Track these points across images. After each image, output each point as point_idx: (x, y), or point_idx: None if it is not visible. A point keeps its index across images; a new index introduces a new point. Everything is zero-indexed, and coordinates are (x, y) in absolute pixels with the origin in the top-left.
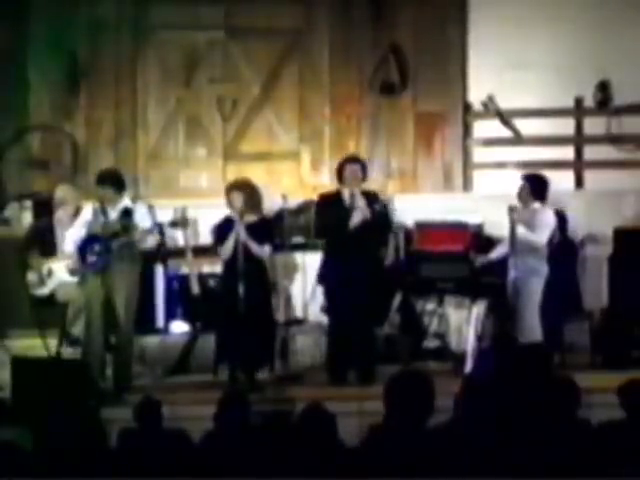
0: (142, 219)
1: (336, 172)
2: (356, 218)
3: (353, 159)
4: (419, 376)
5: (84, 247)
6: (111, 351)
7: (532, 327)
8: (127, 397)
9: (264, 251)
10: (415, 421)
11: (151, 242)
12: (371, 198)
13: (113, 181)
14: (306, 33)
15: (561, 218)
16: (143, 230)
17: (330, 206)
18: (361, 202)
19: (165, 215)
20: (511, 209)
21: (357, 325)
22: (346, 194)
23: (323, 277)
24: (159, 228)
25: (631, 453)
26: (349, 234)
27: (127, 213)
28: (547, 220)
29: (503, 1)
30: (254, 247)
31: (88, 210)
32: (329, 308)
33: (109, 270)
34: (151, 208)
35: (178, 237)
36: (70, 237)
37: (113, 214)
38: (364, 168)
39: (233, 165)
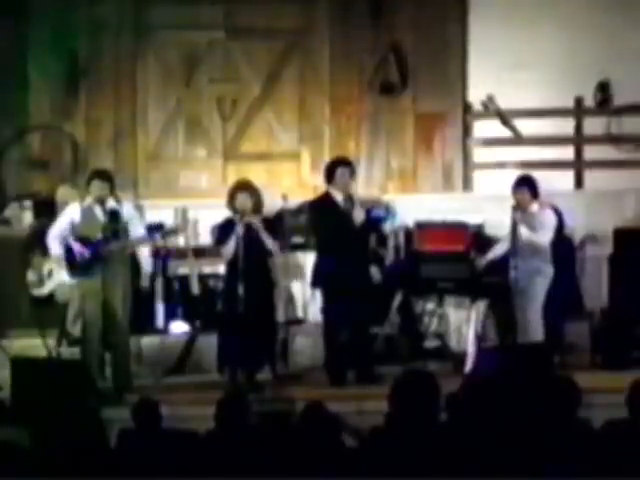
0: (131, 222)
1: (326, 173)
2: (358, 218)
3: (343, 162)
4: (426, 376)
5: (72, 250)
6: (109, 351)
7: (535, 327)
8: (127, 397)
9: (276, 246)
10: (421, 421)
11: (144, 247)
12: (364, 206)
13: (110, 178)
14: (306, 33)
15: (557, 215)
16: (137, 239)
17: (327, 209)
18: (358, 207)
19: (165, 215)
20: (515, 208)
21: (356, 325)
22: (338, 197)
23: (321, 279)
24: (154, 235)
25: (634, 453)
26: (352, 234)
27: (114, 215)
28: (549, 221)
29: (503, 1)
30: (269, 243)
31: (75, 208)
32: (327, 309)
33: (103, 272)
34: (138, 208)
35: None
36: (53, 233)
37: (102, 215)
38: (353, 170)
39: (233, 165)
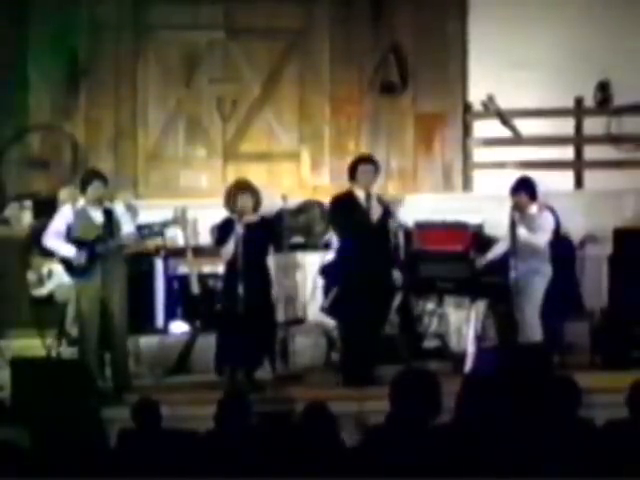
0: (123, 222)
1: (349, 170)
2: (375, 215)
3: (366, 159)
4: (426, 375)
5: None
6: (108, 350)
7: (533, 327)
8: (127, 397)
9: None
10: (421, 420)
11: (136, 244)
12: (383, 202)
13: (106, 178)
14: (306, 33)
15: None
16: (126, 236)
17: (348, 207)
18: (375, 204)
19: (165, 215)
20: (513, 209)
21: (375, 324)
22: (360, 194)
23: (340, 277)
24: (152, 230)
25: (634, 453)
26: (371, 232)
27: (110, 214)
28: (547, 223)
29: (503, 1)
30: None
31: (67, 210)
32: (346, 308)
33: (100, 272)
34: (130, 207)
35: (178, 237)
36: (50, 235)
37: (99, 215)
38: (377, 169)
39: (233, 165)
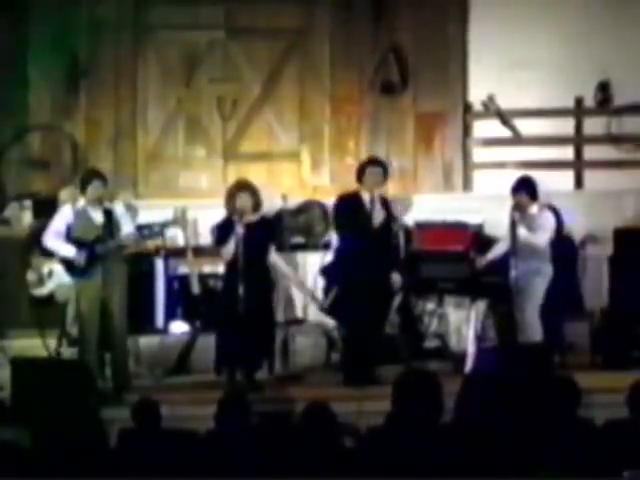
0: (123, 221)
1: (357, 172)
2: (377, 219)
3: (375, 161)
4: (427, 375)
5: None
6: (108, 351)
7: (533, 327)
8: (127, 397)
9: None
10: (423, 420)
11: (136, 244)
12: (387, 205)
13: (105, 178)
14: (307, 33)
15: (555, 215)
16: (126, 236)
17: (351, 208)
18: (379, 207)
19: (165, 215)
20: (514, 208)
21: (375, 325)
22: (365, 196)
23: (339, 277)
24: (145, 231)
25: (634, 453)
26: (371, 235)
27: (110, 214)
28: (547, 223)
29: (503, 1)
30: None
31: (68, 210)
32: (346, 308)
33: (100, 272)
34: (130, 207)
35: (178, 237)
36: (50, 235)
37: (99, 215)
38: (385, 171)
39: (233, 165)
